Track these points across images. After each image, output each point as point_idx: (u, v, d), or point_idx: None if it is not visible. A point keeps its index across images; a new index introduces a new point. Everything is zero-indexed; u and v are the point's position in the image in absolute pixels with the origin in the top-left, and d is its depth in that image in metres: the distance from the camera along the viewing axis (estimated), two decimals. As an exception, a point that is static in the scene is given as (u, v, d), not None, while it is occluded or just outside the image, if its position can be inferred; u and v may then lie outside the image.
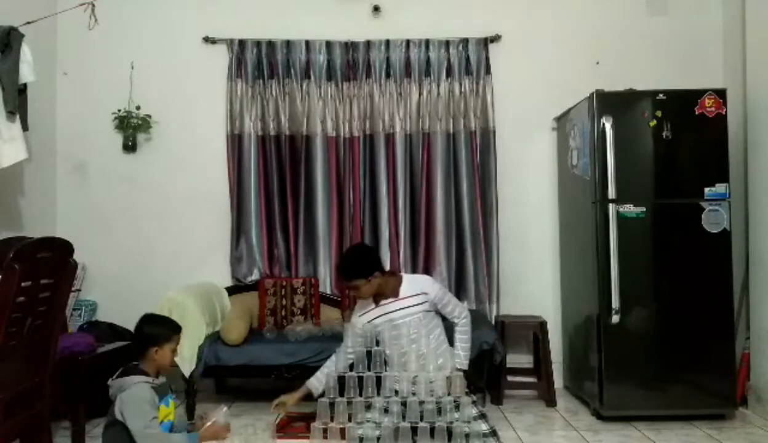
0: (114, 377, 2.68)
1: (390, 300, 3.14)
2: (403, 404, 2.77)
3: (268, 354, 3.72)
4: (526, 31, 4.50)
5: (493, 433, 2.88)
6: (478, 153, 4.39)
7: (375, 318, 3.14)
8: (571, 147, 4.07)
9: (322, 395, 2.93)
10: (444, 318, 3.24)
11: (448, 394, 2.81)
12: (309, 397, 3.17)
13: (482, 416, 2.94)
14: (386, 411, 2.81)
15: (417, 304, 3.11)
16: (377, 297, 3.17)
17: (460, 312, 3.21)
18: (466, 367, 3.12)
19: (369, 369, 2.89)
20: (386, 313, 3.12)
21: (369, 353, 2.97)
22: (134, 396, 2.57)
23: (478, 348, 3.63)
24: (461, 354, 3.13)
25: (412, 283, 3.20)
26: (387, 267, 4.30)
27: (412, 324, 3.05)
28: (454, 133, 4.41)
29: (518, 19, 4.51)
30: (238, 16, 4.49)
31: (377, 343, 3.06)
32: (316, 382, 3.14)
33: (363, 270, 3.09)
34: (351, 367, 2.97)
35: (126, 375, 2.65)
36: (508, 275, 4.40)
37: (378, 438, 2.69)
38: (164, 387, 2.73)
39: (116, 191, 4.45)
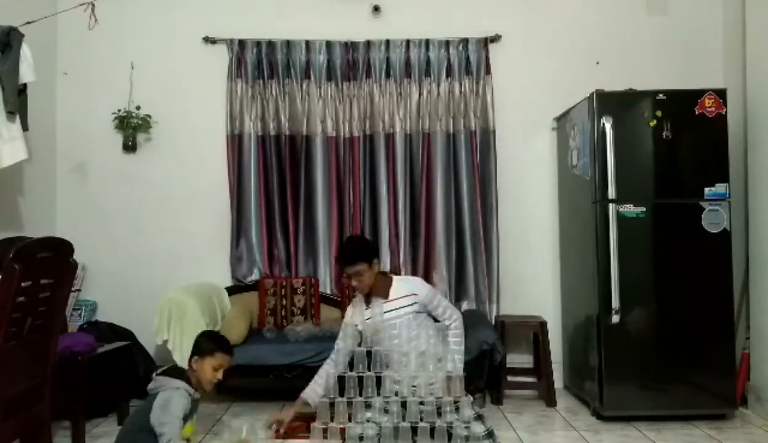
0: (159, 371, 2.77)
1: (380, 301, 3.12)
2: (403, 405, 2.77)
3: (268, 354, 3.72)
4: (526, 31, 4.50)
5: (490, 434, 2.87)
6: (478, 153, 4.39)
7: (366, 319, 3.12)
8: (571, 147, 4.07)
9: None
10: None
11: (435, 396, 2.80)
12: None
13: (479, 417, 2.93)
14: (386, 411, 2.81)
15: (407, 305, 3.11)
16: (368, 298, 3.16)
17: (450, 315, 3.20)
18: (460, 372, 3.07)
19: (369, 369, 2.89)
20: (378, 315, 3.10)
21: (369, 353, 2.96)
22: (172, 398, 2.63)
23: (478, 348, 3.63)
24: (455, 358, 3.09)
25: (402, 284, 3.20)
26: (387, 267, 4.32)
27: (402, 325, 3.04)
28: (454, 133, 4.41)
29: (518, 19, 4.51)
30: (238, 16, 4.49)
31: (375, 344, 3.06)
32: (312, 394, 3.12)
33: (366, 254, 3.13)
34: (350, 366, 2.96)
35: (172, 376, 2.73)
36: (508, 275, 4.40)
37: (378, 438, 2.69)
38: (196, 404, 2.80)
39: (116, 191, 4.45)
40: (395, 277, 3.27)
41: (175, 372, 2.81)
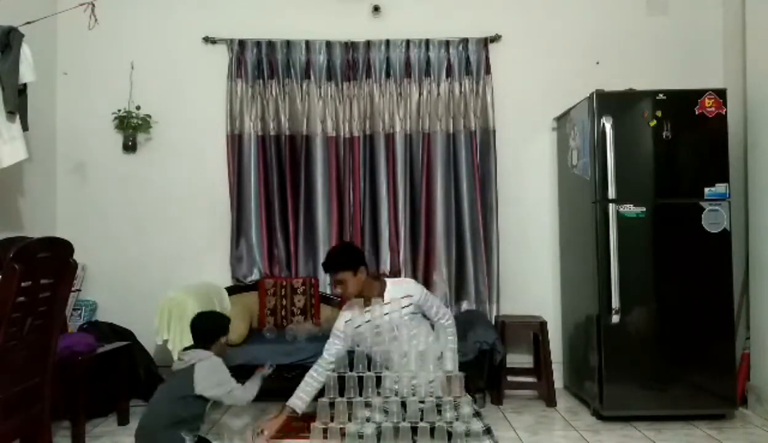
0: (183, 350, 2.96)
1: (381, 302, 3.11)
2: (402, 405, 2.77)
3: (268, 354, 3.70)
4: (526, 31, 4.50)
5: (488, 431, 2.88)
6: (478, 153, 4.39)
7: (363, 323, 3.10)
8: (571, 147, 4.08)
9: (319, 396, 2.93)
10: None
11: (434, 395, 2.80)
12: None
13: (477, 414, 2.94)
14: (386, 412, 2.81)
15: (403, 307, 3.11)
16: (364, 302, 3.14)
17: (444, 314, 3.22)
18: (454, 369, 3.02)
19: (369, 369, 2.89)
20: (379, 317, 3.08)
21: (368, 354, 2.96)
22: (217, 364, 2.88)
23: (478, 348, 3.64)
24: (448, 356, 3.01)
25: (396, 287, 3.20)
26: (387, 266, 4.33)
27: (399, 327, 3.03)
28: (454, 133, 4.41)
29: (518, 19, 4.51)
30: (238, 16, 4.49)
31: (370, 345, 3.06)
32: (299, 402, 3.14)
33: (349, 262, 3.12)
34: (351, 366, 2.95)
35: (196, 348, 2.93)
36: (508, 275, 4.40)
37: (378, 436, 2.69)
38: None
39: (116, 191, 4.45)
40: (388, 281, 3.27)
41: (198, 350, 2.94)
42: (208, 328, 2.98)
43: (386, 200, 4.40)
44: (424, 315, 3.22)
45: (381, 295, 3.14)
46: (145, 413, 2.85)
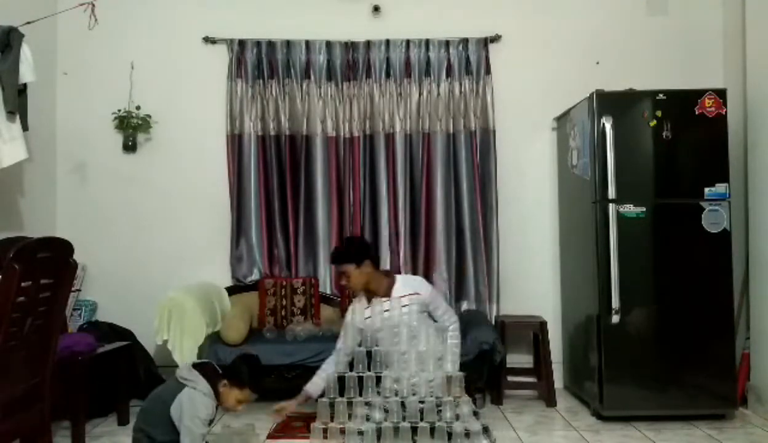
0: (196, 363, 2.79)
1: (383, 300, 3.14)
2: (402, 405, 2.77)
3: (268, 354, 3.70)
4: (526, 31, 4.50)
5: (485, 430, 2.88)
6: (478, 153, 4.39)
7: (368, 318, 3.13)
8: (571, 147, 4.08)
9: (322, 395, 2.94)
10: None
11: (434, 395, 2.81)
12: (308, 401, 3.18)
13: (474, 414, 2.94)
14: (386, 410, 2.82)
15: (408, 304, 3.12)
16: (369, 296, 3.18)
17: (449, 318, 3.23)
18: (454, 371, 3.07)
19: (369, 369, 2.89)
20: (379, 313, 3.11)
21: (369, 353, 2.97)
22: (202, 401, 2.63)
23: (478, 348, 3.64)
24: (449, 359, 3.10)
25: (404, 284, 3.22)
26: (386, 266, 4.33)
27: (402, 323, 3.05)
28: (454, 133, 4.41)
29: (518, 19, 4.51)
30: (238, 16, 4.49)
31: (375, 343, 3.06)
32: (314, 387, 3.15)
33: (353, 256, 3.13)
34: (351, 366, 2.96)
35: (206, 375, 2.70)
36: (508, 275, 4.40)
37: (378, 434, 2.70)
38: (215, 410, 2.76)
39: (116, 191, 4.45)
40: (398, 277, 3.28)
41: (211, 372, 2.74)
42: (231, 363, 2.84)
43: (386, 200, 4.40)
44: (431, 316, 3.21)
45: (389, 291, 3.15)
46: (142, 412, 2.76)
